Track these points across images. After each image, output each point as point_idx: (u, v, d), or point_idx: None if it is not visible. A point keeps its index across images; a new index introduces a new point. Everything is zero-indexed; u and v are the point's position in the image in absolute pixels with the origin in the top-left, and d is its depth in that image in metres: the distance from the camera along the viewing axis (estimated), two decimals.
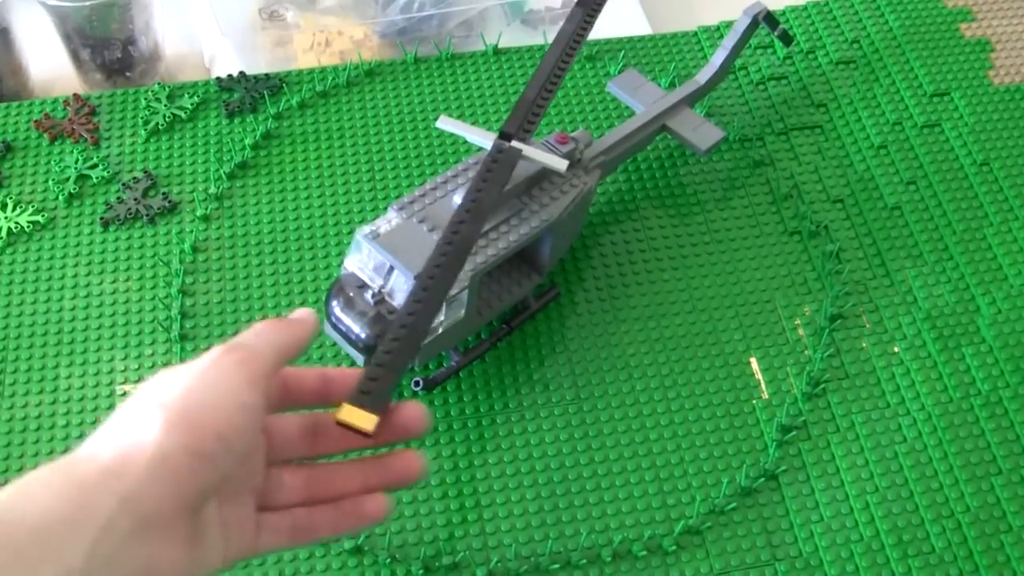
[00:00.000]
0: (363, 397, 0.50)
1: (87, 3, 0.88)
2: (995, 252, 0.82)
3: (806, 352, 0.77)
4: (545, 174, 0.75)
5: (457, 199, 0.72)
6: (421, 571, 0.68)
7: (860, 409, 0.75)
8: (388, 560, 0.68)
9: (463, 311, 0.72)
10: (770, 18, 0.86)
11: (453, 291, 0.69)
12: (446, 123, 0.74)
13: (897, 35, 0.95)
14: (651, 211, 0.85)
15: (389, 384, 0.51)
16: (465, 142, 0.85)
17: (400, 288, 0.70)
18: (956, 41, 0.95)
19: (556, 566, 0.68)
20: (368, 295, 0.71)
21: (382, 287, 0.71)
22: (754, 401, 0.75)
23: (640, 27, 0.99)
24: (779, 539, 0.70)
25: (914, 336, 0.78)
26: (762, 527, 0.71)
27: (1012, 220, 0.84)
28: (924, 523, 0.70)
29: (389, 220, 0.72)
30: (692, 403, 0.75)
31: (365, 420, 0.50)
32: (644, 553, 0.69)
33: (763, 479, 0.72)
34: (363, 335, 0.70)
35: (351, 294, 0.71)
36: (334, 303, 0.72)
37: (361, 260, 0.72)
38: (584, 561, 0.69)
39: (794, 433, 0.74)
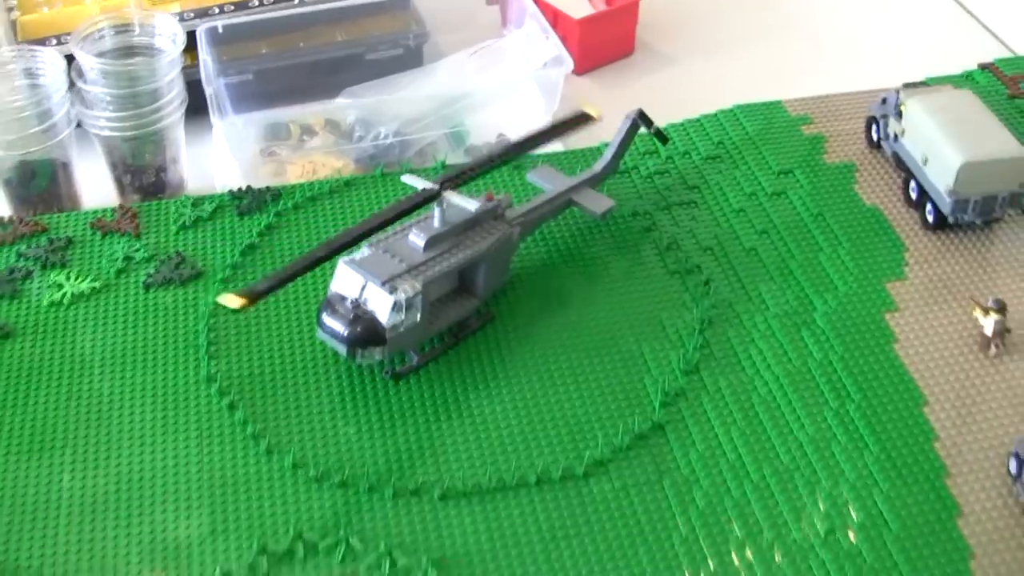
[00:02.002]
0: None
1: (129, 134, 1.16)
2: (826, 270, 1.08)
3: (683, 347, 1.02)
4: (478, 220, 1.03)
5: (412, 238, 0.99)
6: (391, 494, 0.91)
7: (725, 380, 0.99)
8: (367, 488, 0.91)
9: (419, 315, 0.97)
10: (644, 118, 1.15)
11: (409, 295, 0.95)
12: (409, 178, 1.01)
13: (752, 135, 1.24)
14: (563, 266, 1.11)
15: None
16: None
17: (373, 298, 0.96)
18: (798, 137, 1.24)
19: (494, 485, 0.92)
20: (348, 303, 0.97)
21: (357, 298, 0.97)
22: (644, 379, 1.00)
23: (554, 147, 1.28)
24: (664, 465, 0.93)
25: (765, 328, 1.03)
26: (651, 458, 0.94)
27: (839, 247, 1.10)
28: (774, 446, 0.93)
29: (363, 252, 0.99)
30: (597, 382, 1.00)
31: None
32: (560, 477, 0.92)
33: (651, 427, 0.96)
34: (345, 332, 0.96)
35: (335, 306, 0.97)
36: (323, 314, 0.98)
37: (342, 281, 0.98)
38: (515, 483, 0.92)
39: (674, 396, 0.98)
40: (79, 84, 1.14)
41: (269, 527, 0.89)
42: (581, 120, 1.12)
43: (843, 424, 0.94)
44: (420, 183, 1.00)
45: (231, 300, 0.91)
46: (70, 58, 1.15)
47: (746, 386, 0.98)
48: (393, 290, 0.95)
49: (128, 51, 1.17)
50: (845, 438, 0.93)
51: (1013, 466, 0.89)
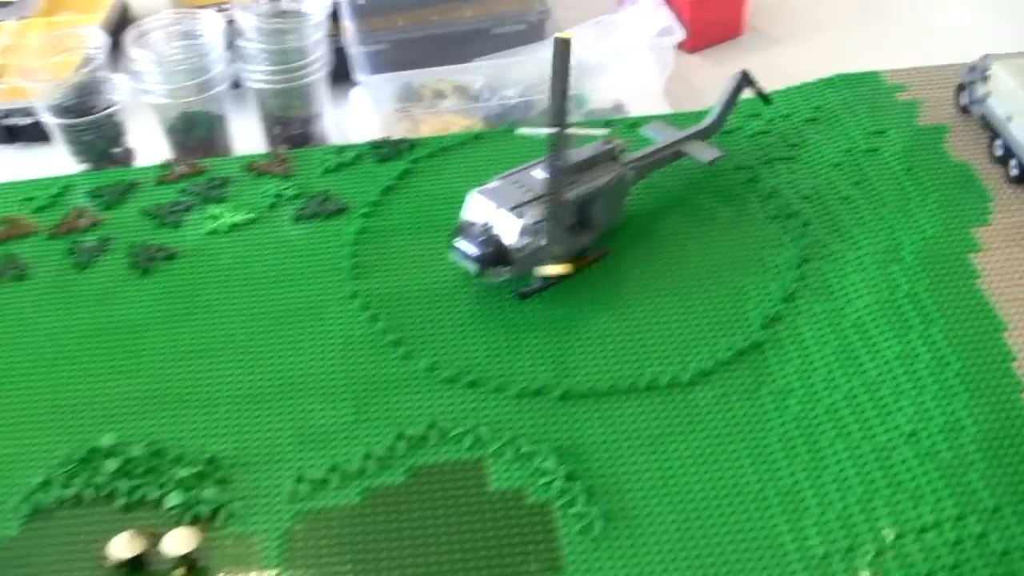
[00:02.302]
0: None
1: (280, 87, 1.30)
2: (916, 216, 1.17)
3: (782, 279, 1.12)
4: (596, 161, 1.14)
5: (534, 172, 1.10)
6: (516, 393, 1.02)
7: (820, 306, 1.09)
8: (494, 388, 1.03)
9: (543, 240, 1.08)
10: (748, 78, 1.25)
11: (535, 219, 1.07)
12: (524, 130, 1.13)
13: (849, 100, 1.33)
14: (673, 212, 1.21)
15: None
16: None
17: (501, 223, 1.07)
18: (893, 102, 1.33)
19: (607, 389, 1.02)
20: (479, 228, 1.08)
21: (487, 223, 1.08)
22: (746, 305, 1.10)
23: (662, 109, 1.39)
24: (763, 377, 1.03)
25: (858, 264, 1.12)
26: (751, 370, 1.03)
27: (928, 197, 1.19)
28: (863, 362, 1.03)
29: (493, 184, 1.10)
30: (703, 307, 1.10)
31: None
32: (667, 384, 1.03)
33: (751, 345, 1.06)
34: (477, 252, 1.07)
35: (468, 230, 1.09)
36: (456, 238, 1.09)
37: (474, 208, 1.09)
38: (627, 387, 1.03)
39: (773, 319, 1.08)
40: (238, 41, 1.27)
41: (406, 418, 1.00)
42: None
43: (927, 344, 1.03)
44: (534, 131, 1.10)
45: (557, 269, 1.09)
46: (229, 24, 1.29)
47: (839, 312, 1.08)
48: (521, 215, 1.06)
49: (280, 15, 1.31)
50: (929, 356, 1.02)
51: None
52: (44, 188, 1.28)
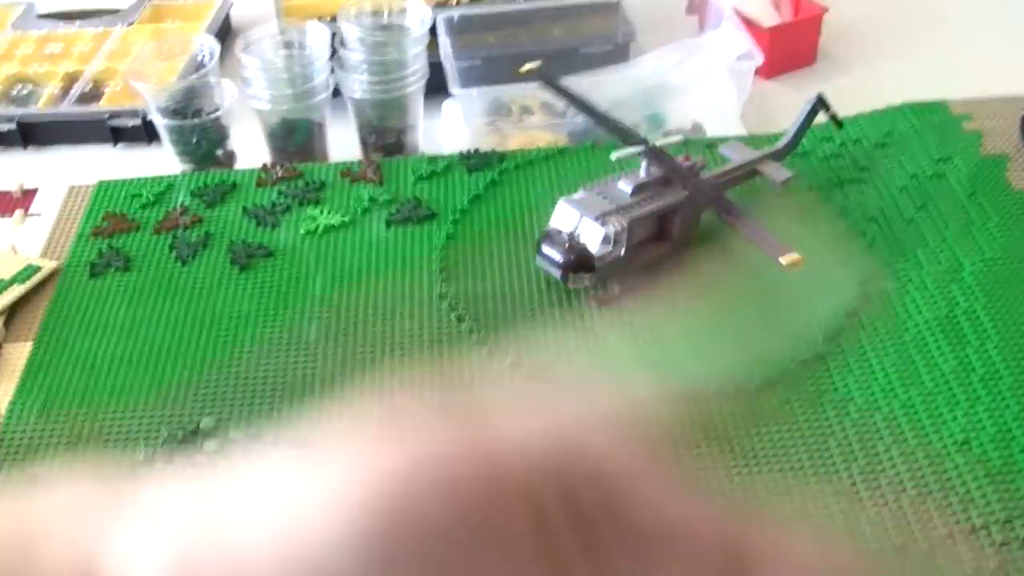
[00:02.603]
0: None
1: (379, 97, 1.38)
2: (977, 239, 1.24)
3: (846, 295, 1.19)
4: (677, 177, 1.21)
5: (621, 185, 1.18)
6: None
7: (881, 321, 1.15)
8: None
9: (623, 250, 1.16)
10: (823, 102, 1.32)
11: (617, 229, 1.14)
12: (616, 154, 1.20)
13: (917, 128, 1.40)
14: None
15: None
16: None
17: (586, 231, 1.15)
18: (958, 131, 1.39)
19: (675, 391, 1.09)
20: (564, 236, 1.16)
21: (572, 231, 1.16)
22: (811, 317, 1.17)
23: (738, 131, 1.46)
24: (824, 386, 1.09)
25: (919, 282, 1.18)
26: (813, 380, 1.10)
27: (989, 222, 1.25)
28: (920, 374, 1.09)
29: (579, 194, 1.18)
30: (769, 318, 1.17)
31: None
32: (734, 390, 1.10)
33: (813, 356, 1.12)
34: (561, 259, 1.15)
35: (553, 238, 1.16)
36: (543, 244, 1.17)
37: (560, 217, 1.17)
38: (694, 391, 1.10)
39: (835, 333, 1.15)
40: (341, 51, 1.36)
41: None
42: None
43: (982, 359, 1.10)
44: (625, 152, 1.18)
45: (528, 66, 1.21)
46: (332, 36, 1.37)
47: (899, 327, 1.14)
48: (604, 224, 1.13)
49: (383, 28, 1.39)
50: (983, 370, 1.08)
51: None
52: (150, 187, 1.37)
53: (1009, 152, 1.36)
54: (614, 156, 1.19)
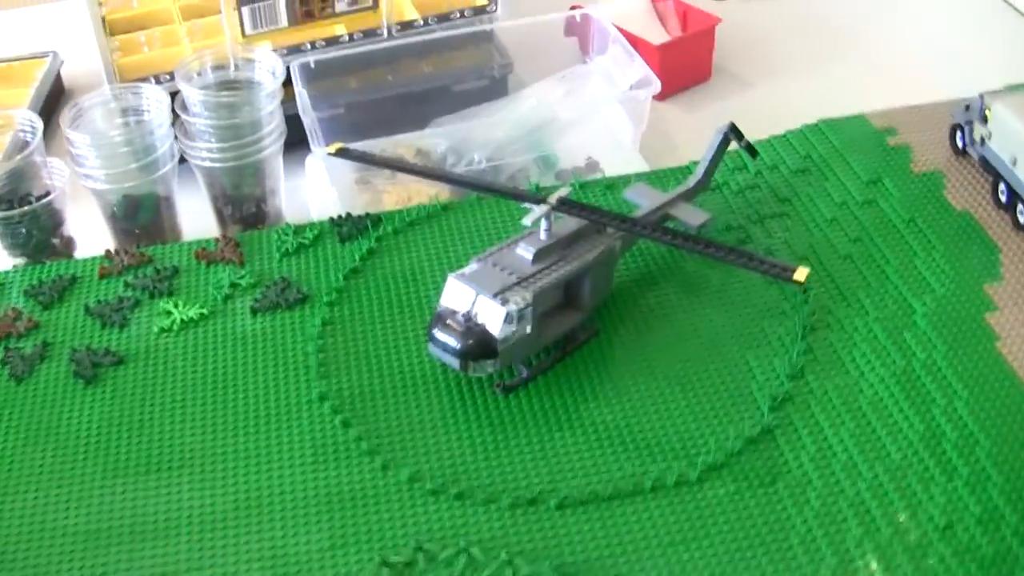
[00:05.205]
0: None
1: (231, 164, 1.20)
2: (923, 274, 1.09)
3: (787, 353, 1.04)
4: (581, 235, 1.05)
5: (520, 251, 1.01)
6: (508, 504, 0.92)
7: (831, 383, 1.00)
8: (484, 500, 0.93)
9: (529, 327, 0.99)
10: (736, 131, 1.16)
11: (520, 306, 0.97)
12: (529, 218, 1.02)
13: (838, 148, 1.25)
14: (663, 279, 1.12)
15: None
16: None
17: (484, 311, 0.98)
18: (883, 147, 1.25)
19: (610, 493, 0.93)
20: (459, 317, 0.99)
21: (468, 311, 0.99)
22: (750, 384, 1.01)
23: (641, 167, 1.30)
24: (777, 468, 0.94)
25: (867, 332, 1.04)
26: (763, 461, 0.95)
27: (934, 251, 1.11)
28: (885, 444, 0.94)
29: (472, 267, 1.01)
30: (704, 389, 1.01)
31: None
32: (675, 483, 0.94)
33: (761, 431, 0.97)
34: (458, 345, 0.98)
35: (447, 320, 0.99)
36: (434, 328, 1.00)
37: (452, 295, 1.00)
38: (631, 490, 0.93)
39: (781, 401, 0.99)
40: (183, 117, 1.18)
41: (388, 540, 0.91)
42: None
43: (952, 421, 0.95)
44: (538, 213, 1.01)
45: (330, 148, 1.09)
46: (172, 96, 1.19)
47: (852, 388, 0.99)
48: (505, 301, 0.97)
49: (229, 85, 1.21)
50: (955, 434, 0.94)
51: None
52: None
53: (942, 167, 1.23)
54: (526, 221, 1.02)
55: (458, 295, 0.99)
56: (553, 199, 1.02)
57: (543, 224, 1.02)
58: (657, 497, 0.93)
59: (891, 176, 1.21)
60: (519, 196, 1.05)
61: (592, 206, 1.03)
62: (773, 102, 1.44)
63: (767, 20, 1.66)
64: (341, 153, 1.09)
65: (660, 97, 1.43)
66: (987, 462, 0.92)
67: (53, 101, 1.48)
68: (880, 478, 0.92)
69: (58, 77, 1.57)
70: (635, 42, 1.42)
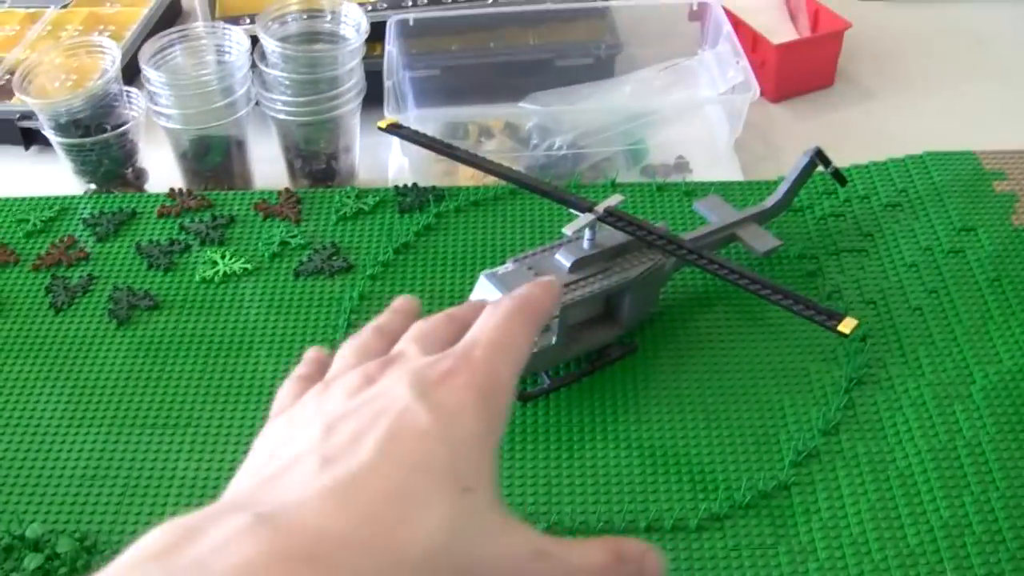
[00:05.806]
0: None
1: (304, 119, 1.17)
2: (994, 341, 1.01)
3: (827, 404, 0.97)
4: (630, 247, 0.99)
5: (558, 257, 0.96)
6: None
7: (864, 446, 0.94)
8: None
9: (554, 338, 0.95)
10: (823, 156, 1.09)
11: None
12: (570, 227, 0.97)
13: (938, 185, 1.17)
14: (718, 300, 1.07)
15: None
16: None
17: None
18: (988, 193, 1.16)
19: (601, 526, 0.89)
20: None
21: None
22: (779, 433, 0.95)
23: (732, 176, 1.24)
24: (783, 530, 0.88)
25: (917, 396, 0.97)
26: (771, 520, 0.89)
27: (1012, 318, 1.03)
28: (903, 526, 0.88)
29: (506, 267, 0.97)
30: (729, 430, 0.95)
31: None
32: (671, 527, 0.89)
33: (777, 486, 0.91)
34: None
35: None
36: None
37: (481, 294, 0.96)
38: (623, 526, 0.89)
39: (807, 456, 0.93)
40: (260, 66, 1.15)
41: None
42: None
43: (982, 513, 0.88)
44: (582, 223, 0.96)
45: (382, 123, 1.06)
46: (255, 39, 1.16)
47: (885, 456, 0.93)
48: None
49: (312, 36, 1.18)
50: (981, 528, 0.87)
51: None
52: (40, 210, 1.18)
53: None
54: (567, 230, 0.97)
55: (487, 295, 0.95)
56: (600, 208, 0.97)
57: (587, 234, 0.97)
58: (650, 539, 0.88)
59: (986, 226, 1.13)
60: (566, 201, 1.00)
61: (640, 221, 0.97)
62: (891, 119, 1.36)
63: (907, 25, 1.56)
64: (392, 129, 1.05)
65: (775, 98, 1.36)
66: (1007, 566, 0.85)
67: (166, 24, 1.47)
68: (889, 562, 0.86)
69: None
70: (755, 39, 1.35)
